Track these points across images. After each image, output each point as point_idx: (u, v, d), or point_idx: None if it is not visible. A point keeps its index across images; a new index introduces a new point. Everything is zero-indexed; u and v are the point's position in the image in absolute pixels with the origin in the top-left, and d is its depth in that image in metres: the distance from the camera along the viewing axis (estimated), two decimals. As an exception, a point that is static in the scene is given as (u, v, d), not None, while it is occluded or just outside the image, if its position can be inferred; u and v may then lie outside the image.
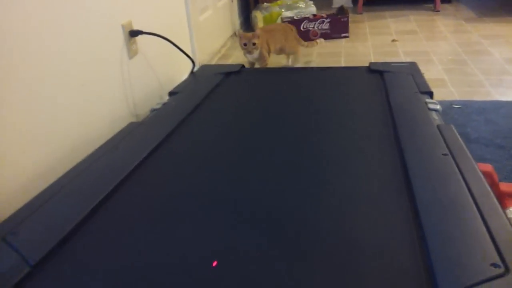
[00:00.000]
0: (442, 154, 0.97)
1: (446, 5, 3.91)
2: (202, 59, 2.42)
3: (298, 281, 0.70)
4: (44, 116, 1.14)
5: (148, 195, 0.97)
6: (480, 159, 1.48)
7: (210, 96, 1.53)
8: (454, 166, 0.93)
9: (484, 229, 0.75)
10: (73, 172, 1.04)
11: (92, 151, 1.14)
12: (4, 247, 0.78)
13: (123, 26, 1.52)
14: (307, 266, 0.72)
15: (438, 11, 3.72)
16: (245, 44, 2.18)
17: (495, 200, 0.82)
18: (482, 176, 0.90)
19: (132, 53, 1.59)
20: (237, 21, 3.40)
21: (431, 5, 3.92)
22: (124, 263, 0.76)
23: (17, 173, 1.05)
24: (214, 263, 0.74)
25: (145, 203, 0.94)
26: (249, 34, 2.18)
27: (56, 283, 0.73)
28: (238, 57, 2.82)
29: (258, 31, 2.20)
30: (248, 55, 2.26)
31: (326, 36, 3.09)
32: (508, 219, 0.77)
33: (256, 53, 2.22)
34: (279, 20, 3.21)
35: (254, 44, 2.15)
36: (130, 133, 1.23)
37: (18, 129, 1.05)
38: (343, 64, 2.56)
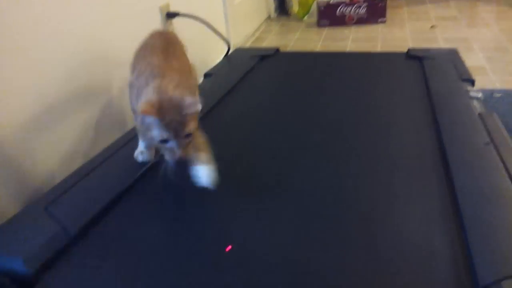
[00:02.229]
0: (484, 143, 0.94)
1: (489, -9, 3.76)
2: (236, 42, 2.42)
3: (339, 258, 0.70)
4: (86, 94, 1.16)
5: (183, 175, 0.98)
6: (521, 150, 1.43)
7: (245, 78, 1.52)
8: (496, 155, 0.90)
9: (526, 220, 0.73)
10: (112, 148, 1.06)
11: (129, 129, 1.16)
12: (46, 217, 0.81)
13: (160, 8, 1.53)
14: (346, 245, 0.72)
15: (480, -4, 3.59)
16: (164, 141, 0.78)
17: (539, 191, 0.79)
18: (525, 167, 0.87)
19: (168, 34, 1.59)
20: (272, 4, 3.36)
21: (473, -9, 3.78)
22: (160, 235, 0.78)
23: (59, 146, 1.08)
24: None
25: (180, 183, 0.95)
26: (167, 95, 0.78)
27: (95, 253, 0.76)
28: (272, 41, 2.80)
29: (195, 93, 0.95)
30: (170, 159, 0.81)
31: (363, 21, 3.03)
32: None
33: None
34: (314, 5, 3.15)
35: (187, 135, 0.79)
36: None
37: (58, 104, 1.07)
38: (379, 50, 2.51)
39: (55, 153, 1.07)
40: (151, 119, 0.75)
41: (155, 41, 0.97)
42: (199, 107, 0.78)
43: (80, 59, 1.14)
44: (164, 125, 0.75)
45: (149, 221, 0.83)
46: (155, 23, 1.51)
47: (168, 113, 0.75)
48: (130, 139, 1.09)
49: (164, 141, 0.77)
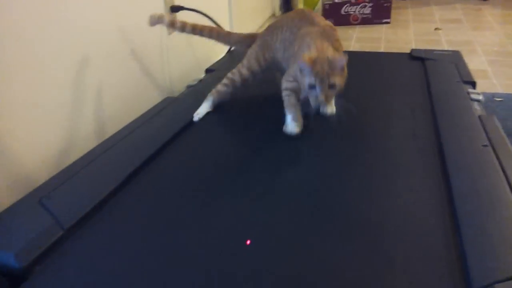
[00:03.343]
0: (482, 145, 0.94)
1: (495, -6, 3.76)
2: (240, 38, 2.41)
3: (334, 254, 0.70)
4: (88, 85, 1.16)
5: (180, 168, 0.98)
6: (520, 154, 1.43)
7: (247, 75, 1.52)
8: (494, 157, 0.90)
9: (521, 223, 0.73)
10: (108, 142, 1.06)
11: (128, 122, 1.16)
12: (40, 210, 0.81)
13: (165, 1, 1.53)
14: (345, 244, 0.72)
15: (487, 0, 3.58)
16: (312, 87, 0.97)
17: (534, 194, 0.79)
18: (522, 170, 0.87)
19: (172, 29, 1.59)
20: (276, 2, 3.35)
21: (479, -6, 3.78)
22: (155, 232, 0.78)
23: (54, 140, 1.08)
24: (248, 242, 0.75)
25: (177, 176, 0.95)
26: (324, 54, 0.96)
27: (88, 247, 0.76)
28: (276, 39, 2.79)
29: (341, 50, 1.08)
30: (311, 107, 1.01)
31: (367, 21, 3.02)
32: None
33: (331, 106, 1.06)
34: (320, 4, 3.16)
35: (333, 86, 0.96)
36: (165, 108, 1.24)
37: (57, 97, 1.08)
38: (383, 50, 2.51)
39: (52, 145, 1.08)
40: (305, 67, 0.94)
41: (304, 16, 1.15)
42: (344, 61, 0.96)
43: (84, 52, 1.15)
44: (314, 73, 0.93)
45: (144, 218, 0.83)
46: (159, 17, 1.51)
47: (319, 65, 0.94)
48: (125, 136, 1.09)
49: (312, 87, 0.95)
